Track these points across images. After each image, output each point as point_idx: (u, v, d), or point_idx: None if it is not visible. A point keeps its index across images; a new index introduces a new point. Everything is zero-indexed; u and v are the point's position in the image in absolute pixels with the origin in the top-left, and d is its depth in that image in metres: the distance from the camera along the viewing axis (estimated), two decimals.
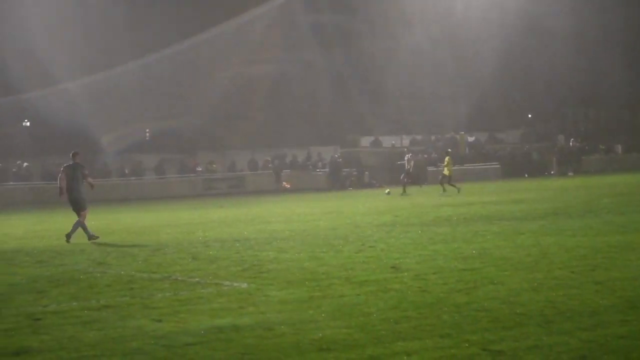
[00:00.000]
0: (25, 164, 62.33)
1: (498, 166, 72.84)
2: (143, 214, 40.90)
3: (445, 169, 49.21)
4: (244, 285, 16.06)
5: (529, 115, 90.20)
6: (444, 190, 47.55)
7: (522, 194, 43.38)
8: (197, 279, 17.23)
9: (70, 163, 27.88)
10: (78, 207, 27.33)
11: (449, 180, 48.29)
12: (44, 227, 33.68)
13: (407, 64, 76.96)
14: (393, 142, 76.64)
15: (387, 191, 50.23)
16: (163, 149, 71.44)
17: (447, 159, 49.50)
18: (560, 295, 13.42)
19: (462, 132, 78.92)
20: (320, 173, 69.06)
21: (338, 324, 12.12)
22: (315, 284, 15.83)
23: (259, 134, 73.86)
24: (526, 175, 71.35)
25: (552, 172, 73.24)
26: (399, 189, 51.19)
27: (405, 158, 53.29)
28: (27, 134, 70.66)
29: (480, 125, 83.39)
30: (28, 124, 72.39)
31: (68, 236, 26.45)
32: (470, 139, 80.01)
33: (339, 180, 65.73)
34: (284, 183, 62.64)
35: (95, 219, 36.69)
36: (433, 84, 79.07)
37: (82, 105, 66.67)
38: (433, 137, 79.89)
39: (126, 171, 66.04)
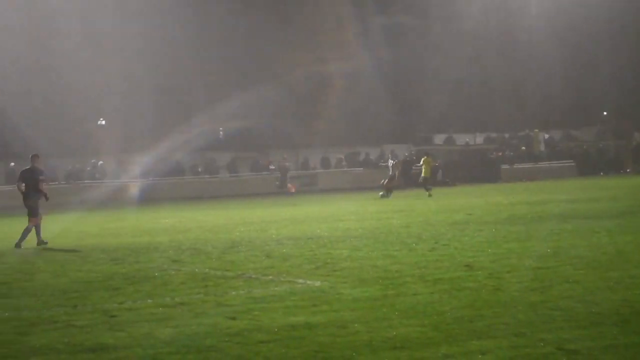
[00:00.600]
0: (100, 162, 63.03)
1: (573, 164, 72.13)
2: (217, 211, 41.14)
3: (423, 170, 48.45)
4: (317, 283, 16.09)
5: (604, 113, 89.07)
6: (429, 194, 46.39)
7: (597, 192, 42.86)
8: (270, 277, 17.29)
9: (28, 167, 27.08)
10: (29, 213, 26.60)
11: (428, 181, 48.07)
12: (118, 225, 34.03)
13: (480, 61, 76.50)
14: (467, 139, 76.21)
15: (380, 193, 47.59)
16: (236, 147, 71.78)
17: (424, 159, 48.84)
18: (637, 295, 13.26)
19: (537, 130, 78.18)
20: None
21: (411, 322, 12.09)
22: (388, 282, 15.80)
23: (331, 131, 73.88)
24: (601, 174, 70.54)
25: (627, 170, 72.29)
26: (443, 189, 51.57)
27: (390, 163, 50.27)
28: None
29: (555, 122, 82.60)
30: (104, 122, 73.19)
31: (17, 244, 25.89)
32: (545, 136, 79.20)
33: (411, 178, 65.49)
34: (289, 186, 60.66)
35: (170, 217, 37.04)
36: (507, 81, 78.51)
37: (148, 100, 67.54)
38: (507, 135, 79.26)
39: (200, 169, 66.49)
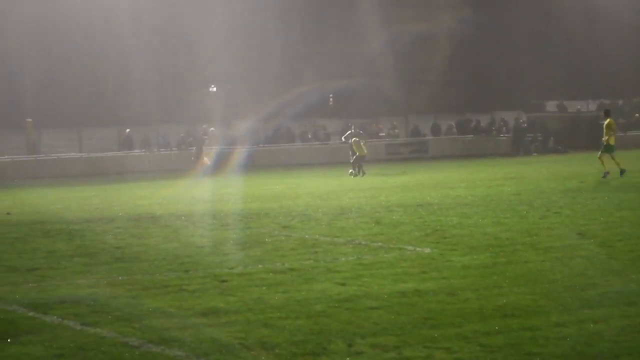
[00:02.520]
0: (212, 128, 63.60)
1: None
2: (326, 178, 41.24)
3: (360, 148, 42.59)
4: (427, 250, 16.04)
5: None
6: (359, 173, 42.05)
7: None
8: (380, 244, 17.29)
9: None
10: None
11: (357, 161, 42.42)
12: (228, 191, 34.33)
13: (596, 26, 75.03)
14: (579, 106, 74.89)
15: (350, 171, 42.41)
16: (346, 114, 71.76)
17: (354, 140, 43.04)
18: None
19: None
20: (504, 138, 68.17)
21: (522, 290, 11.98)
22: (499, 249, 15.68)
23: (441, 98, 73.31)
24: None
25: None
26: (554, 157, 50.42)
27: (350, 140, 43.84)
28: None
29: None
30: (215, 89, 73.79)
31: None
32: None
33: (522, 145, 64.71)
34: (205, 159, 56.73)
35: (280, 183, 37.25)
36: (620, 46, 76.84)
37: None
38: (620, 102, 77.60)
39: (309, 136, 66.67)
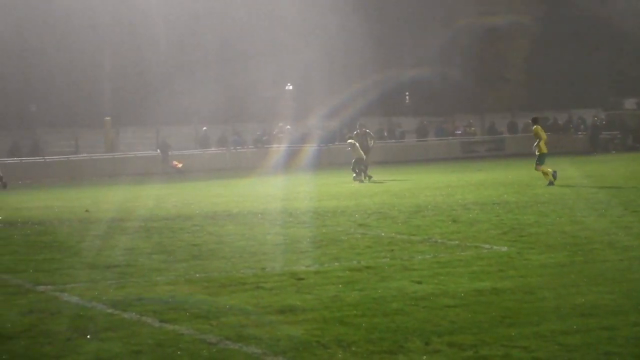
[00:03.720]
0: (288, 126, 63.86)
1: None
2: (402, 176, 41.13)
3: (356, 150, 38.71)
4: (504, 249, 15.93)
5: None
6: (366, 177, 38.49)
7: None
8: (456, 242, 17.21)
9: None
10: None
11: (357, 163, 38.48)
12: (304, 189, 34.43)
13: None
14: None
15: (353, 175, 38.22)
16: (422, 112, 71.60)
17: (349, 142, 39.35)
18: None
19: None
20: (581, 136, 67.50)
21: (600, 289, 11.84)
22: (576, 248, 15.52)
23: (518, 96, 72.83)
24: None
25: None
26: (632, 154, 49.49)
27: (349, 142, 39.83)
28: None
29: None
30: (291, 87, 74.03)
31: None
32: None
33: (600, 143, 63.97)
34: (174, 162, 55.29)
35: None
36: None
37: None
38: None
39: (385, 134, 66.61)
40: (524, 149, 63.35)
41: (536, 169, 31.93)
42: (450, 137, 67.08)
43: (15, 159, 55.28)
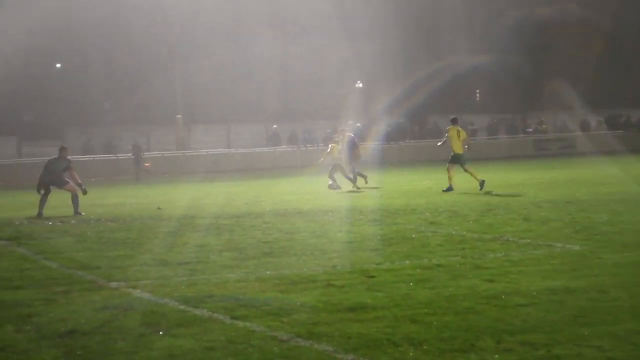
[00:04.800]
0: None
1: None
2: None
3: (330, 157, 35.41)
4: (577, 247, 15.77)
5: None
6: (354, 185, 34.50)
7: None
8: (528, 240, 17.07)
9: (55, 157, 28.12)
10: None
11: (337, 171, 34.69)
12: (374, 187, 34.35)
13: None
14: None
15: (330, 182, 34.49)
16: (494, 110, 71.22)
17: (331, 146, 35.88)
18: None
19: None
20: None
21: None
22: None
23: (590, 94, 72.03)
24: None
25: None
26: None
27: (329, 147, 36.40)
28: None
29: None
30: (361, 84, 74.01)
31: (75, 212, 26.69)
32: None
33: None
34: (145, 164, 53.78)
35: (426, 179, 37.08)
36: None
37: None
38: None
39: None
40: (596, 146, 62.94)
41: (451, 170, 30.69)
42: (522, 135, 66.57)
43: (88, 157, 55.91)
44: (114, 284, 13.46)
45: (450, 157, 30.83)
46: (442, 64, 69.00)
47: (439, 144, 32.98)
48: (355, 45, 69.47)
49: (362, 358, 8.86)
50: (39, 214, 26.45)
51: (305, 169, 51.04)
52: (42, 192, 26.82)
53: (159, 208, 27.62)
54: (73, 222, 23.88)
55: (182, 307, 11.55)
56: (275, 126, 62.49)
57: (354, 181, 34.43)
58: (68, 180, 27.24)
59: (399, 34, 70.82)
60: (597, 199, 24.77)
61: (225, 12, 69.82)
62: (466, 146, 31.14)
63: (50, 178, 27.16)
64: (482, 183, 29.75)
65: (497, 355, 8.79)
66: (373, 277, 13.37)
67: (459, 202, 25.73)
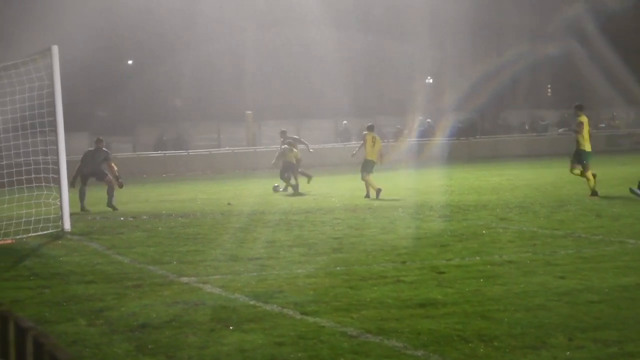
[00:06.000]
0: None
1: None
2: (544, 170, 40.56)
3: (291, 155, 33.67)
4: None
5: None
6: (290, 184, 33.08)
7: None
8: (600, 237, 16.90)
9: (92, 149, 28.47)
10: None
11: (287, 171, 33.19)
12: (444, 183, 34.23)
13: None
14: None
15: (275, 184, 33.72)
16: (564, 105, 70.49)
17: (284, 147, 34.34)
18: None
19: None
20: None
21: None
22: None
23: None
24: None
25: None
26: None
27: (281, 148, 34.97)
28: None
29: None
30: (431, 80, 73.84)
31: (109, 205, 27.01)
32: None
33: None
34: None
35: (497, 175, 36.87)
36: None
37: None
38: None
39: (527, 127, 65.81)
40: None
41: (366, 177, 29.18)
42: (594, 130, 65.84)
43: (160, 153, 56.39)
44: (184, 279, 13.57)
45: (362, 165, 29.63)
46: (510, 58, 68.57)
47: (354, 152, 31.73)
48: (425, 41, 69.31)
49: (432, 354, 8.83)
50: (83, 208, 26.76)
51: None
52: (79, 185, 27.26)
53: (229, 204, 27.78)
54: (144, 217, 24.11)
55: (252, 302, 11.60)
56: (345, 122, 62.51)
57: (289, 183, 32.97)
58: (107, 173, 27.53)
59: (469, 28, 70.46)
60: None
61: (294, 10, 70.02)
62: (380, 156, 29.89)
63: (91, 170, 27.52)
64: (378, 191, 28.35)
65: (568, 352, 8.71)
66: (443, 273, 13.33)
67: (530, 198, 25.54)
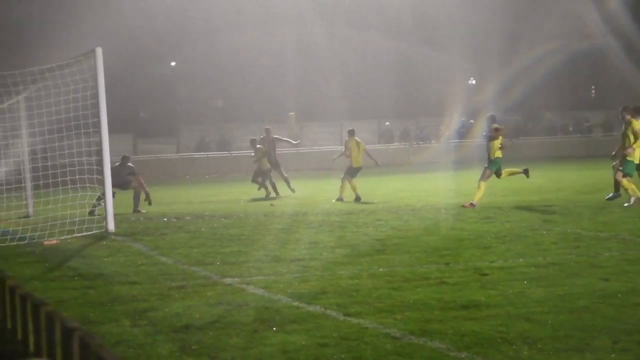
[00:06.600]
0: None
1: None
2: (588, 171, 40.31)
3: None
4: None
5: None
6: (265, 190, 32.97)
7: None
8: None
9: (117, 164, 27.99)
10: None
11: (261, 176, 33.31)
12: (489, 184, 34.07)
13: None
14: None
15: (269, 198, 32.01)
16: (608, 106, 70.01)
17: (258, 147, 33.92)
18: None
19: None
20: None
21: None
22: None
23: None
24: None
25: None
26: None
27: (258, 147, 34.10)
28: None
29: None
30: (474, 81, 73.55)
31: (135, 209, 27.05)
32: None
33: None
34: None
35: (540, 177, 36.63)
36: None
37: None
38: None
39: (570, 128, 65.42)
40: None
41: (345, 181, 29.10)
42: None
43: (203, 154, 56.60)
44: (227, 280, 13.62)
45: (347, 169, 29.40)
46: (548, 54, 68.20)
47: (336, 156, 31.30)
48: (470, 43, 69.16)
49: (475, 356, 8.81)
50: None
51: (417, 165, 50.90)
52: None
53: (272, 205, 27.85)
54: (188, 218, 24.22)
55: (295, 303, 11.62)
56: (387, 123, 62.46)
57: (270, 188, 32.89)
58: (131, 180, 27.52)
59: (509, 26, 70.25)
60: None
61: (338, 13, 70.14)
62: (369, 156, 29.74)
63: (115, 182, 27.53)
64: (357, 197, 28.37)
65: (613, 355, 8.65)
66: (486, 274, 13.29)
67: (574, 200, 25.41)
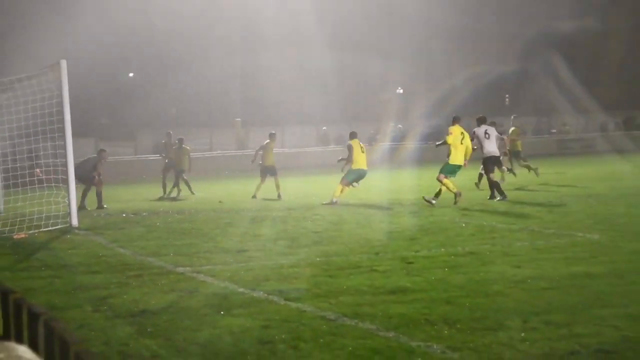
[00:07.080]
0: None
1: None
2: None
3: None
4: (596, 237, 15.67)
5: None
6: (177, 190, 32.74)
7: None
8: (552, 230, 16.98)
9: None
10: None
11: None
12: (412, 183, 34.29)
13: None
14: None
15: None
16: (522, 112, 70.75)
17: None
18: None
19: None
20: None
21: None
22: None
23: (609, 97, 71.11)
24: None
25: None
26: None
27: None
28: None
29: None
30: (401, 90, 73.82)
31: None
32: None
33: None
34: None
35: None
36: None
37: None
38: None
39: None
40: (613, 147, 62.10)
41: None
42: (547, 135, 66.02)
43: (158, 156, 56.20)
44: (180, 269, 13.57)
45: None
46: (475, 71, 68.64)
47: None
48: (397, 54, 69.38)
49: (401, 335, 8.86)
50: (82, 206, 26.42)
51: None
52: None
53: (220, 202, 27.75)
54: (144, 214, 24.07)
55: (240, 289, 11.61)
56: (324, 128, 62.50)
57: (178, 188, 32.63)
58: (94, 176, 27.10)
59: (441, 40, 70.59)
60: (614, 194, 24.55)
61: (281, 25, 69.99)
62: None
63: (79, 174, 27.05)
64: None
65: (523, 334, 8.76)
66: (412, 263, 13.37)
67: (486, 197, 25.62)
